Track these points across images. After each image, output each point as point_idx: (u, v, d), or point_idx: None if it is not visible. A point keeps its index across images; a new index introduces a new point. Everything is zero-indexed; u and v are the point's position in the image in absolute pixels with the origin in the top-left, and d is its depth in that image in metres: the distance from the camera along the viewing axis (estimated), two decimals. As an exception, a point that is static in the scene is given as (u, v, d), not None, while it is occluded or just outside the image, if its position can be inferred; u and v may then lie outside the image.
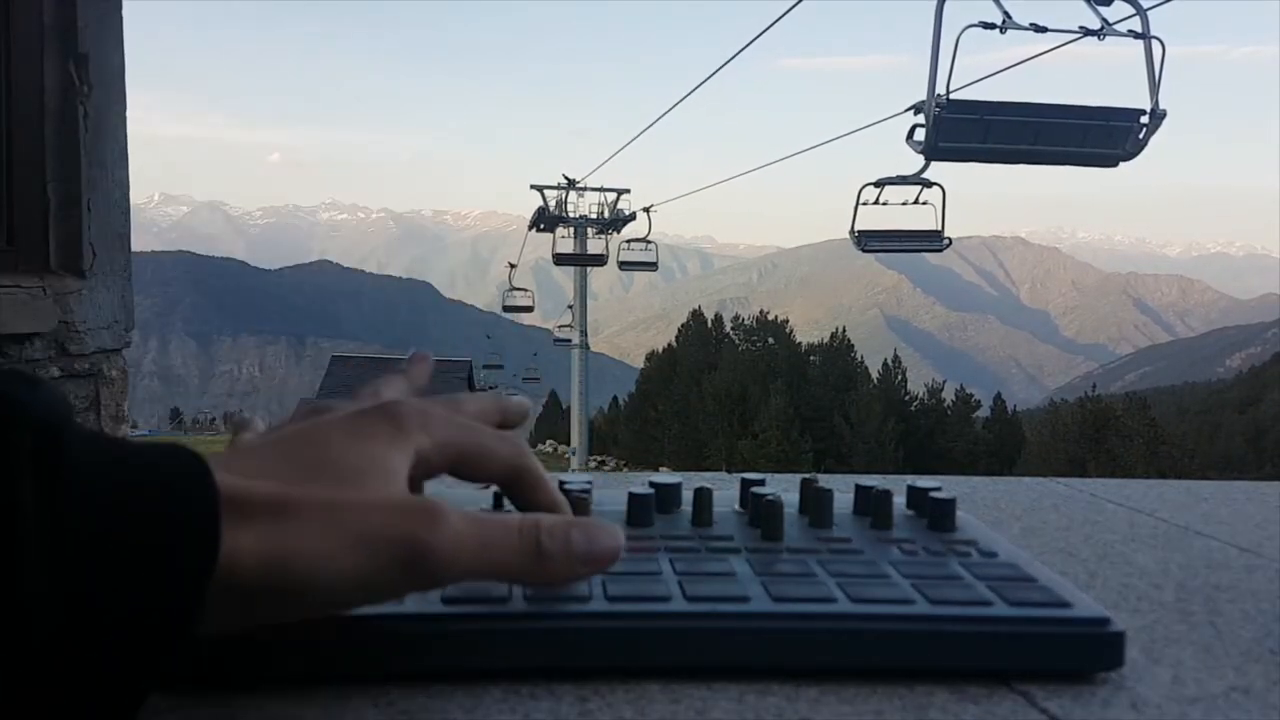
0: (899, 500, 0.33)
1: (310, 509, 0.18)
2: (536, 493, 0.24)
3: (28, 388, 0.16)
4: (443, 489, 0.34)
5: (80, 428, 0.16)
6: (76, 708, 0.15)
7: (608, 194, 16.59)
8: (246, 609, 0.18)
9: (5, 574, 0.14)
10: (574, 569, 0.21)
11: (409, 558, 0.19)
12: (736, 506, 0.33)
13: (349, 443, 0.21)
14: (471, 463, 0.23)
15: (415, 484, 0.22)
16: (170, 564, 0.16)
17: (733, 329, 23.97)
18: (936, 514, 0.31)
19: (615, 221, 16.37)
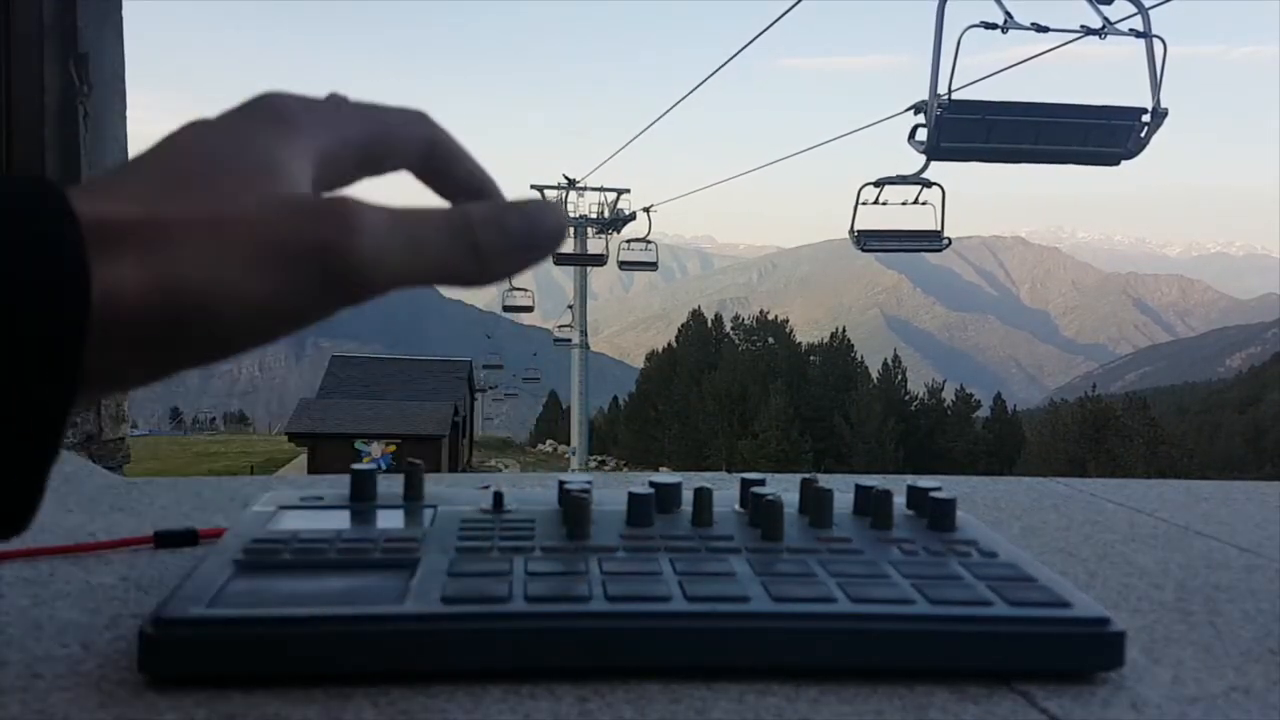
0: (899, 500, 0.33)
1: (193, 226, 0.15)
2: (458, 167, 0.20)
3: None
4: (441, 489, 0.35)
5: None
6: None
7: (608, 194, 16.59)
8: (140, 355, 0.15)
9: None
10: (515, 259, 0.17)
11: (324, 269, 0.15)
12: (737, 506, 0.33)
13: (228, 145, 0.17)
14: (381, 150, 0.19)
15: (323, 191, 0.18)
16: (38, 311, 0.13)
17: (733, 329, 23.97)
18: (936, 514, 0.31)
19: (615, 221, 16.37)
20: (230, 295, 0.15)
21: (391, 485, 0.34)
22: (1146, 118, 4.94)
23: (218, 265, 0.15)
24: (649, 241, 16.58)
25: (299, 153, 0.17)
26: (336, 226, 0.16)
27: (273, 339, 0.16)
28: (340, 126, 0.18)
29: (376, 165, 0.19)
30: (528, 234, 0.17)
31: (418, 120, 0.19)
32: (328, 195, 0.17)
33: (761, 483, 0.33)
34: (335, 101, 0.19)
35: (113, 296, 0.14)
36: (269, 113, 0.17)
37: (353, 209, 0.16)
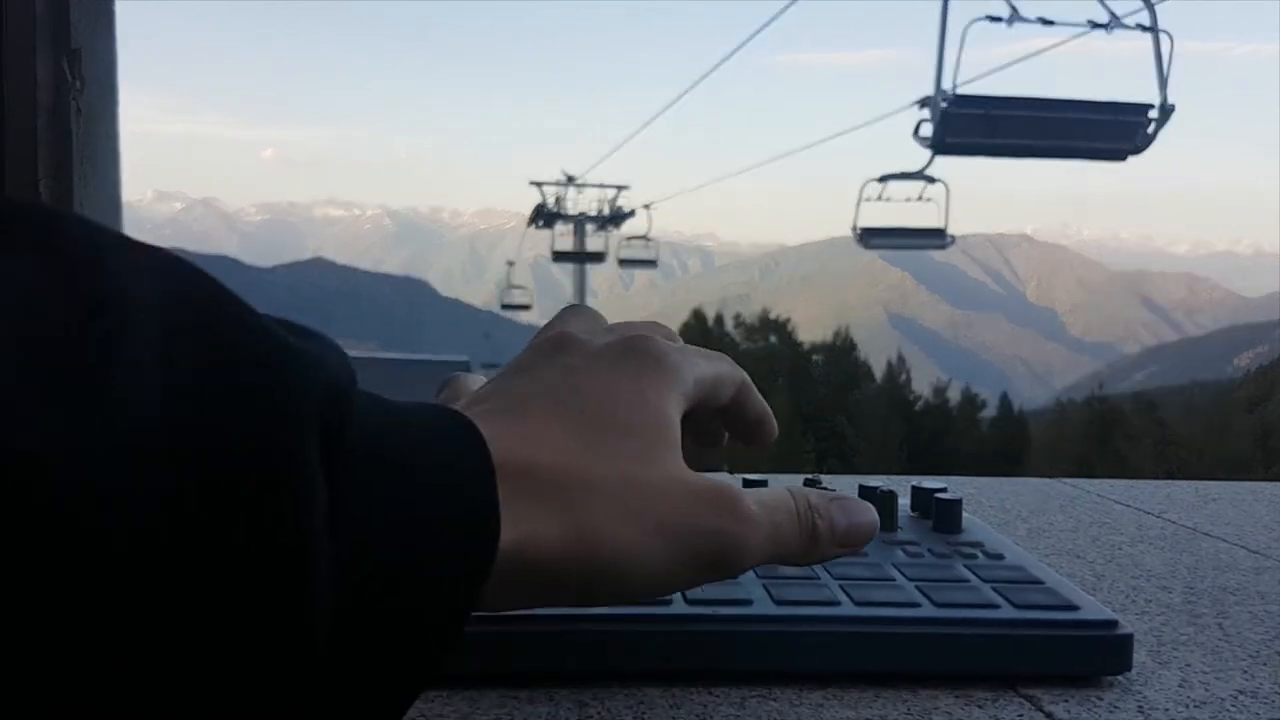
0: (903, 501, 0.32)
1: (610, 485, 0.16)
2: (753, 404, 0.22)
3: (312, 341, 0.13)
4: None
5: (361, 392, 0.14)
6: (353, 705, 0.13)
7: (607, 190, 16.61)
8: (548, 594, 0.16)
9: (294, 561, 0.11)
10: (834, 550, 0.19)
11: (716, 552, 0.17)
12: (738, 507, 0.33)
13: (625, 391, 0.17)
14: (714, 392, 0.20)
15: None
16: (448, 549, 0.14)
17: (734, 328, 23.98)
18: (942, 515, 0.31)
19: (615, 218, 16.38)
20: (637, 564, 0.16)
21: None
22: (1153, 113, 4.92)
23: (629, 533, 0.16)
24: (649, 238, 16.58)
25: (677, 402, 0.18)
26: (731, 516, 0.17)
27: (646, 598, 0.18)
28: (698, 370, 0.19)
29: (710, 404, 0.20)
30: (847, 529, 0.19)
31: (731, 362, 0.21)
32: (719, 483, 0.18)
33: (764, 483, 0.32)
34: (685, 345, 0.20)
35: (530, 544, 0.15)
36: (651, 359, 0.18)
37: (741, 500, 0.17)
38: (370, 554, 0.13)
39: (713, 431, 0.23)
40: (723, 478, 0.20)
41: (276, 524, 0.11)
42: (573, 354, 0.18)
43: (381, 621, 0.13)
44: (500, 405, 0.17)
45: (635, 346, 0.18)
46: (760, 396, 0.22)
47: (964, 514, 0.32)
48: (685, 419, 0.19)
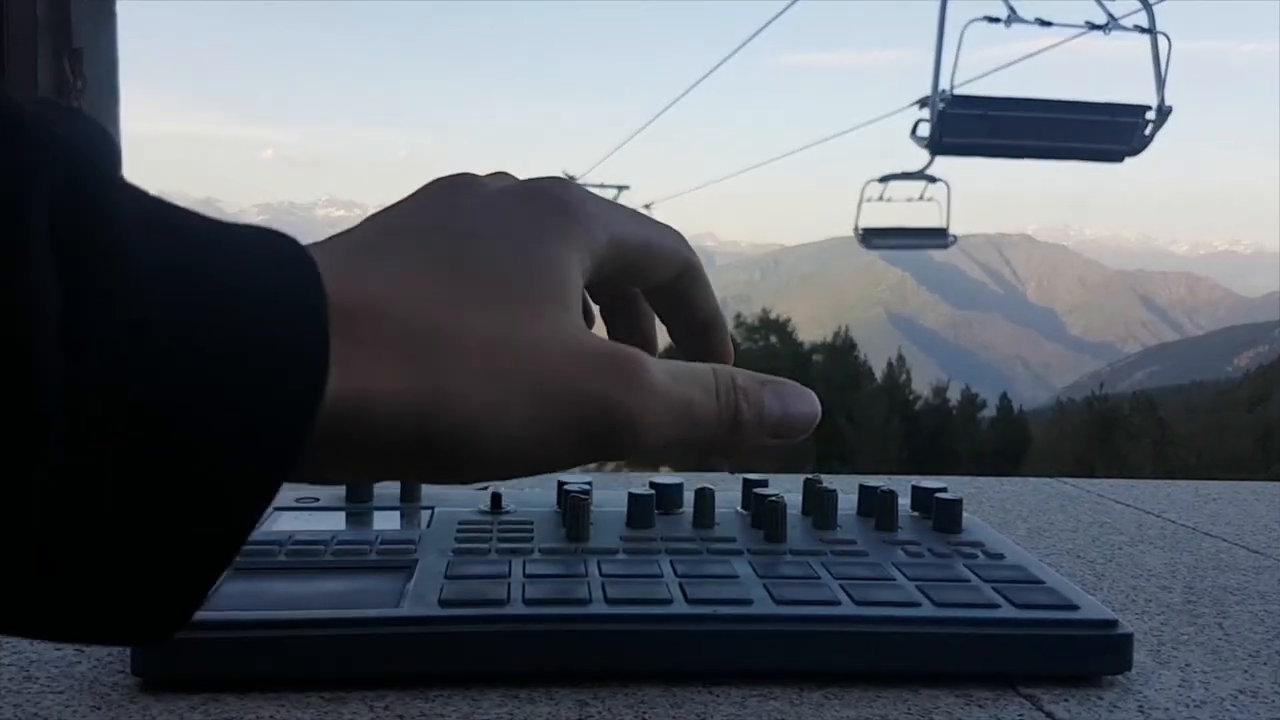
0: (904, 501, 0.32)
1: (475, 343, 0.13)
2: (701, 297, 0.18)
3: (70, 118, 0.11)
4: (438, 490, 0.34)
5: (138, 190, 0.11)
6: (106, 585, 0.10)
7: (608, 190, 16.64)
8: (387, 461, 0.13)
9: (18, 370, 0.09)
10: (764, 438, 0.16)
11: (601, 425, 0.14)
12: (739, 507, 0.33)
13: (516, 236, 0.15)
14: (643, 260, 0.17)
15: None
16: (249, 395, 0.11)
17: (735, 327, 24.00)
18: (942, 515, 0.31)
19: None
20: (494, 432, 0.13)
21: (388, 486, 0.34)
22: (1151, 114, 4.93)
23: (489, 396, 0.13)
24: (651, 240, 16.58)
25: (579, 258, 0.15)
26: (626, 385, 0.14)
27: (510, 477, 0.15)
28: (618, 227, 0.16)
29: (634, 276, 0.17)
30: (780, 417, 0.16)
31: (677, 237, 0.18)
32: (617, 346, 0.15)
33: (764, 483, 0.32)
34: (616, 203, 0.17)
35: (366, 400, 0.12)
36: (552, 202, 0.15)
37: (643, 367, 0.15)
38: (126, 387, 0.10)
39: (640, 320, 0.19)
40: (705, 367, 0.16)
41: None
42: (463, 194, 0.15)
43: (138, 476, 0.10)
44: (354, 241, 0.14)
45: (539, 188, 0.15)
46: (714, 296, 0.19)
47: (964, 514, 0.32)
48: (599, 288, 0.16)
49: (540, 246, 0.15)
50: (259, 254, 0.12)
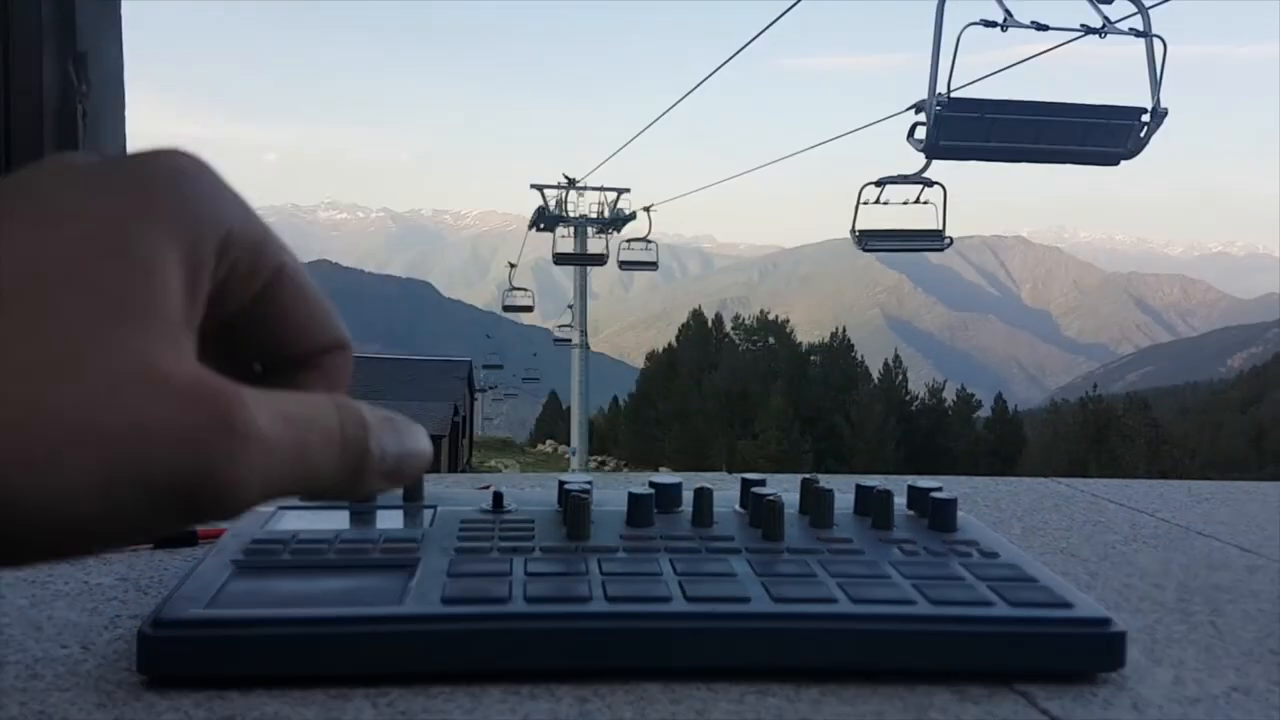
0: (900, 500, 0.33)
1: (11, 370, 0.10)
2: (316, 307, 0.14)
3: None
4: (440, 490, 0.34)
5: None
6: None
7: (608, 193, 16.61)
8: None
9: None
10: (381, 483, 0.13)
11: (186, 480, 0.11)
12: (737, 507, 0.33)
13: (87, 222, 0.11)
14: (273, 298, 0.13)
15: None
16: None
17: (733, 329, 24.00)
18: (938, 514, 0.31)
19: (615, 221, 16.39)
20: (30, 498, 0.10)
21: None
22: (1146, 117, 4.95)
23: (18, 444, 0.10)
24: (649, 241, 16.60)
25: (176, 252, 0.11)
26: (217, 432, 0.11)
27: (56, 558, 0.11)
28: (234, 216, 0.12)
29: (229, 290, 0.13)
30: (398, 461, 0.13)
31: (275, 237, 0.13)
32: (211, 379, 0.11)
33: (762, 483, 0.33)
34: (223, 181, 0.13)
35: None
36: (148, 179, 0.12)
37: (236, 404, 0.11)
38: None
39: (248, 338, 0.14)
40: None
41: None
42: (44, 171, 0.12)
43: None
44: None
45: (136, 162, 0.12)
46: (326, 308, 0.14)
47: (959, 513, 0.32)
48: (212, 304, 0.12)
49: (116, 234, 0.11)
50: None
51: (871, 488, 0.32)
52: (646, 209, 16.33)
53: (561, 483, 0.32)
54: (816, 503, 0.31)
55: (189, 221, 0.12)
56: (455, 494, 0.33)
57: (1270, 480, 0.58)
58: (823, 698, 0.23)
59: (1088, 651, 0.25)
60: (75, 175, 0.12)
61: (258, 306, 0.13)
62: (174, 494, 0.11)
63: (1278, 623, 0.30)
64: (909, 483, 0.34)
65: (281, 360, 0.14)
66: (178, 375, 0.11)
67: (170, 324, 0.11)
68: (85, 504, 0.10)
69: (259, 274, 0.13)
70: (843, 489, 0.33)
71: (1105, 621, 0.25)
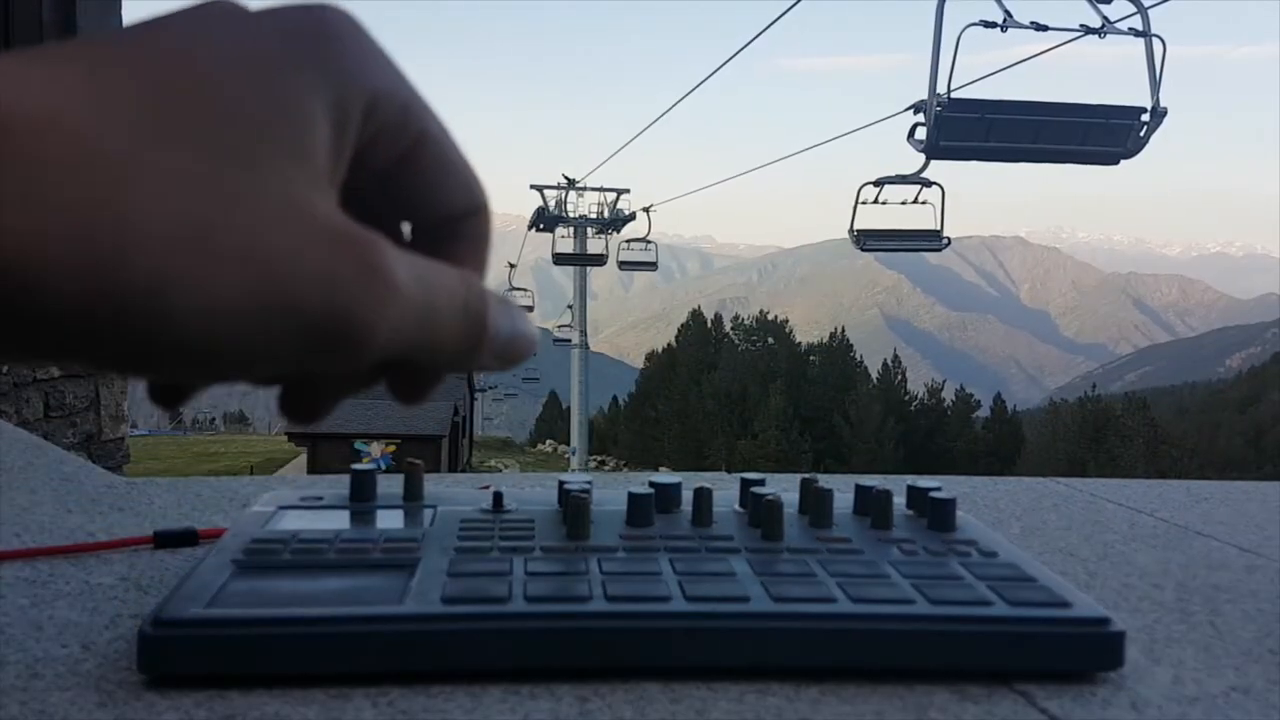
0: (899, 500, 0.33)
1: (177, 186, 0.10)
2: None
3: None
4: (441, 489, 0.34)
5: None
6: None
7: (607, 194, 16.60)
8: (40, 332, 0.10)
9: None
10: (493, 361, 0.14)
11: (327, 314, 0.11)
12: (736, 506, 0.33)
13: (251, 66, 0.11)
14: (418, 161, 0.13)
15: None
16: None
17: (732, 329, 24.00)
18: (937, 514, 0.31)
19: (615, 221, 16.38)
20: (191, 299, 0.10)
21: (391, 485, 0.34)
22: (1145, 117, 4.96)
23: (189, 252, 0.10)
24: (649, 241, 16.61)
25: (330, 104, 0.12)
26: (363, 275, 0.11)
27: (205, 375, 0.12)
28: (387, 78, 0.13)
29: (377, 142, 0.13)
30: (509, 341, 0.14)
31: (426, 102, 0.13)
32: (357, 226, 0.12)
33: (761, 483, 0.33)
34: (376, 42, 0.13)
35: (12, 247, 0.09)
36: (314, 35, 0.12)
37: (385, 256, 0.12)
38: None
39: (385, 206, 0.14)
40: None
41: None
42: (206, 8, 0.12)
43: None
44: (37, 51, 0.11)
45: (293, 11, 0.12)
46: (475, 180, 0.14)
47: (958, 513, 0.32)
48: (355, 163, 0.12)
49: (278, 81, 0.11)
50: None
51: (871, 487, 0.32)
52: (646, 209, 16.33)
53: (561, 483, 0.32)
54: (816, 502, 0.31)
55: (338, 77, 0.12)
56: (455, 494, 0.33)
57: (1269, 480, 0.58)
58: (822, 697, 0.23)
59: (1087, 651, 0.25)
60: (234, 16, 0.12)
61: (400, 169, 0.14)
62: (314, 326, 0.11)
63: (1276, 622, 0.30)
64: (908, 482, 0.34)
65: (422, 222, 0.14)
66: (326, 215, 0.11)
67: (317, 169, 0.12)
68: (236, 322, 0.11)
69: (402, 138, 0.13)
70: (842, 489, 0.33)
71: (1104, 621, 0.25)
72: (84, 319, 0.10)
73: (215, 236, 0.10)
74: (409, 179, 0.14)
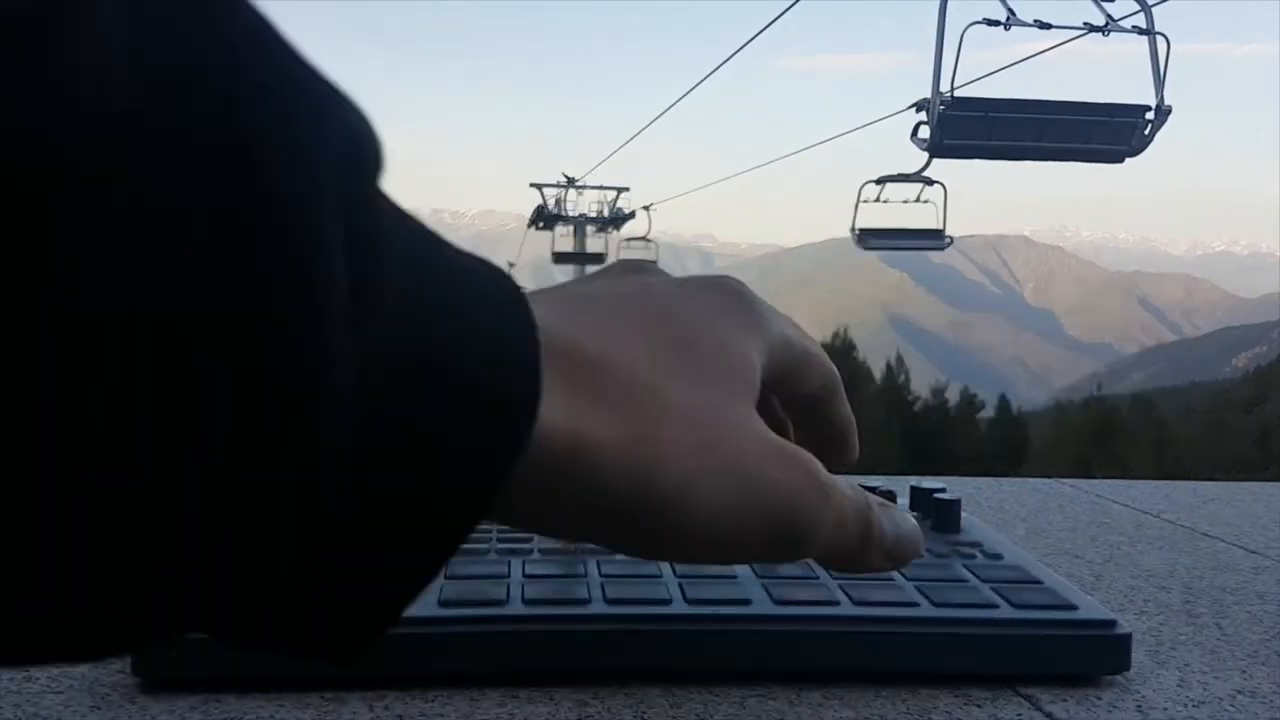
0: (903, 502, 0.33)
1: (683, 410, 0.13)
2: (842, 409, 0.18)
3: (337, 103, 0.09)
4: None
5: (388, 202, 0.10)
6: (351, 589, 0.10)
7: (607, 192, 16.63)
8: (596, 513, 0.12)
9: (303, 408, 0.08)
10: (883, 563, 0.16)
11: (789, 517, 0.14)
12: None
13: (710, 320, 0.14)
14: (795, 370, 0.16)
15: None
16: (478, 413, 0.10)
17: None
18: (941, 515, 0.31)
19: (615, 219, 16.41)
20: (700, 503, 0.13)
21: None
22: (1150, 115, 4.94)
23: (699, 464, 0.13)
24: (649, 240, 16.62)
25: (759, 351, 0.15)
26: (811, 482, 0.14)
27: (700, 560, 0.14)
28: (787, 332, 0.16)
29: (783, 381, 0.16)
30: (894, 545, 0.16)
31: (822, 352, 0.17)
32: (796, 446, 0.14)
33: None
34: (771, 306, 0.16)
35: (580, 439, 0.12)
36: (738, 296, 0.15)
37: (824, 471, 0.14)
38: (395, 379, 0.09)
39: (778, 422, 0.18)
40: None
41: (284, 292, 0.08)
42: (652, 274, 0.15)
43: (394, 478, 0.09)
44: (564, 295, 0.14)
45: (722, 282, 0.15)
46: (848, 406, 0.18)
47: (962, 514, 0.32)
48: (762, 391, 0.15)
49: (731, 333, 0.15)
50: (477, 270, 0.11)
51: (874, 488, 0.32)
52: (646, 208, 16.35)
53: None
54: (818, 503, 0.31)
55: (765, 327, 0.15)
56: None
57: (1276, 480, 0.58)
58: (825, 701, 0.23)
59: (1092, 654, 0.25)
60: (672, 280, 0.15)
61: (810, 400, 0.18)
62: (780, 528, 0.14)
63: (1285, 625, 0.30)
64: (912, 483, 0.34)
65: (812, 442, 0.18)
66: (776, 439, 0.14)
67: (757, 398, 0.15)
68: (719, 523, 0.13)
69: (809, 377, 0.17)
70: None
71: (1110, 624, 0.25)
72: (625, 511, 0.13)
73: (716, 455, 0.13)
74: (790, 379, 0.17)
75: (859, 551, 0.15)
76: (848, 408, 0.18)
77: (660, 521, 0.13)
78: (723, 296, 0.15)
